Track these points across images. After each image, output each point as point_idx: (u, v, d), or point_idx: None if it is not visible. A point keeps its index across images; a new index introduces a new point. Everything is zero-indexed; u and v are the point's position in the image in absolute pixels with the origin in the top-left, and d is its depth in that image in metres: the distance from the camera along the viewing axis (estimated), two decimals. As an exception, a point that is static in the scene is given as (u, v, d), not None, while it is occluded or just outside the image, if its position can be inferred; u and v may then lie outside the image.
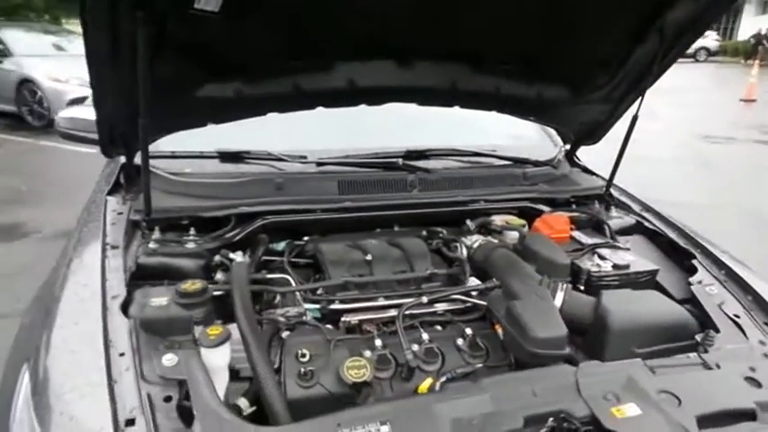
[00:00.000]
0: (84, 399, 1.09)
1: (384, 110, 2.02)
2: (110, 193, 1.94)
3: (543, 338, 1.30)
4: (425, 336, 1.47)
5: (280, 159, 2.05)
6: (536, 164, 2.33)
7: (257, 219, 1.78)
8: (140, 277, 1.55)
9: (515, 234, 1.91)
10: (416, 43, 1.79)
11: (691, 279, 1.71)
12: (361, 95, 1.91)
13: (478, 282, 1.66)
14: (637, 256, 1.77)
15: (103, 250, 1.57)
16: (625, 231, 2.06)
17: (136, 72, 1.50)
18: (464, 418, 1.08)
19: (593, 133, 2.41)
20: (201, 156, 2.05)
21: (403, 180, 2.06)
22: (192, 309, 1.36)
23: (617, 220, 2.11)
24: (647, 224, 2.07)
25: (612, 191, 2.28)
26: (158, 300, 1.38)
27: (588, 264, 1.70)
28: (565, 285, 1.54)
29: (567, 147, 2.56)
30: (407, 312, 1.51)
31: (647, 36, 1.83)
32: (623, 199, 2.28)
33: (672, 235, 1.97)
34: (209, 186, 1.92)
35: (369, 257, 1.67)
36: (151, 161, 1.69)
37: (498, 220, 1.99)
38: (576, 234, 1.92)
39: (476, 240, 1.86)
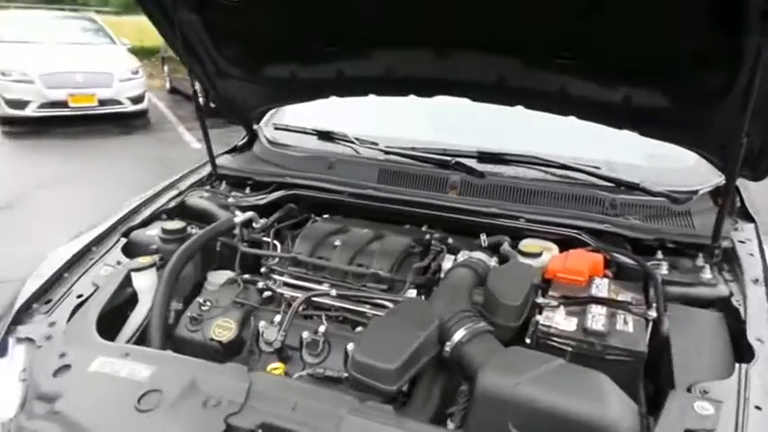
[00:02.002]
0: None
1: (502, 110, 1.90)
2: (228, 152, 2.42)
3: (360, 361, 1.17)
4: (321, 328, 1.46)
5: (353, 142, 2.17)
6: (646, 191, 1.82)
7: (290, 189, 1.99)
8: (182, 215, 1.97)
9: (537, 260, 1.61)
10: (451, 31, 1.66)
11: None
12: (401, 85, 1.88)
13: (412, 295, 1.52)
14: (640, 330, 1.30)
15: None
16: (703, 302, 1.48)
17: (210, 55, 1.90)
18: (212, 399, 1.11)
19: (753, 164, 1.72)
20: (296, 130, 2.33)
21: (443, 180, 1.94)
22: (169, 243, 1.71)
23: (702, 288, 1.52)
24: (736, 303, 1.43)
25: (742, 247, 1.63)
26: (152, 231, 1.77)
27: (542, 317, 1.34)
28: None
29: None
30: (338, 304, 1.53)
31: (748, 24, 1.26)
32: (748, 261, 1.60)
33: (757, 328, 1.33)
34: (279, 156, 2.21)
35: (337, 243, 1.70)
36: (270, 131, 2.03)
37: (528, 243, 1.69)
38: (600, 282, 1.49)
39: (462, 257, 1.65)
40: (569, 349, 1.28)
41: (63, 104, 7.51)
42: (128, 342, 1.50)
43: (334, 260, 1.65)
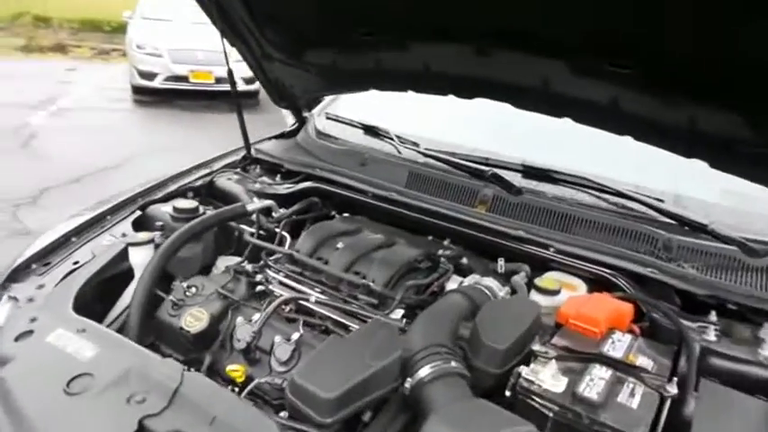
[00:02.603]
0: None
1: (557, 123, 1.70)
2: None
3: (298, 384, 1.05)
4: (295, 335, 1.36)
5: (392, 139, 2.04)
6: (715, 235, 1.50)
7: (316, 182, 1.91)
8: (209, 194, 1.97)
9: (555, 299, 1.39)
10: (492, 27, 1.47)
11: None
12: (439, 83, 1.71)
13: (398, 317, 1.36)
14: (647, 408, 1.05)
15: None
16: (753, 386, 1.18)
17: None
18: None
19: None
20: (343, 121, 2.22)
21: (474, 192, 1.75)
22: (178, 222, 1.69)
23: (756, 368, 1.21)
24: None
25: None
26: (167, 207, 1.77)
27: (527, 369, 1.13)
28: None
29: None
30: (324, 312, 1.42)
31: None
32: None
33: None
34: (318, 146, 2.13)
35: (339, 245, 1.59)
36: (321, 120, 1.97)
37: (548, 278, 1.47)
38: (619, 338, 1.24)
39: (470, 281, 1.46)
40: (551, 415, 1.07)
41: (185, 79, 8.07)
42: (117, 318, 1.50)
43: (332, 263, 1.54)
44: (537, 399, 1.08)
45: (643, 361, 1.18)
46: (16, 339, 1.23)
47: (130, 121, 7.57)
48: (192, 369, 1.34)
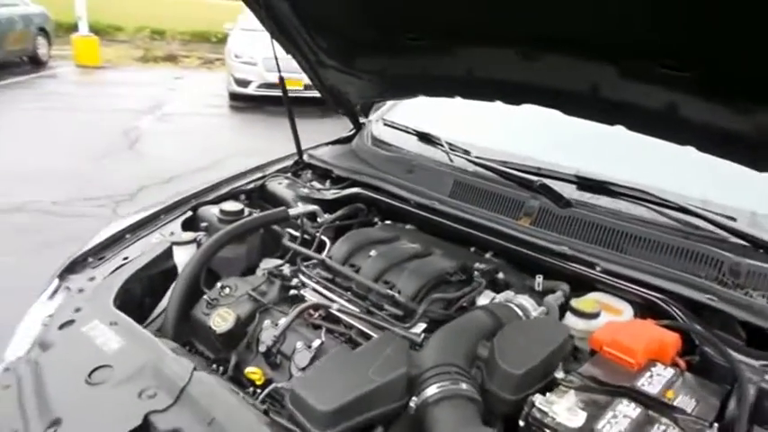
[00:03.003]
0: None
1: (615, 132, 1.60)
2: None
3: (297, 393, 1.04)
4: (316, 342, 1.35)
5: (442, 146, 1.98)
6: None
7: (361, 188, 1.90)
8: (261, 197, 2.02)
9: (592, 323, 1.29)
10: (536, 29, 1.38)
11: None
12: (486, 88, 1.64)
13: (419, 330, 1.31)
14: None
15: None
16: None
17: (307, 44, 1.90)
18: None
19: None
20: (398, 127, 2.19)
21: (518, 204, 1.65)
22: (223, 223, 1.75)
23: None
24: None
25: None
26: (215, 209, 1.84)
27: (543, 398, 1.03)
28: None
29: None
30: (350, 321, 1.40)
31: None
32: None
33: None
34: (369, 153, 2.11)
35: (372, 253, 1.56)
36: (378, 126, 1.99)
37: (587, 299, 1.35)
38: (659, 371, 1.11)
39: (502, 298, 1.38)
40: (558, 450, 0.97)
41: (276, 86, 8.42)
42: (161, 313, 1.57)
43: (363, 271, 1.51)
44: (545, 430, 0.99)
45: (683, 400, 1.04)
46: (60, 327, 1.33)
47: (225, 126, 8.04)
48: (219, 367, 1.40)
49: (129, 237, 1.71)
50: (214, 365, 1.41)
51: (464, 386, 1.06)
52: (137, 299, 1.58)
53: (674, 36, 1.15)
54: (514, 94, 1.60)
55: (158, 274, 1.63)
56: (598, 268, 1.41)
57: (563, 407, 1.01)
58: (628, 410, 1.00)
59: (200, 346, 1.49)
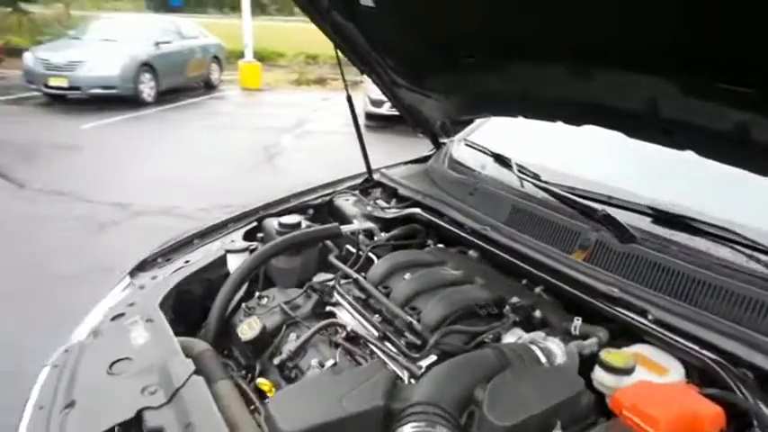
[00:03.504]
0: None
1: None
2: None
3: (269, 409, 1.03)
4: (330, 362, 1.34)
5: (510, 167, 1.86)
6: None
7: (416, 209, 1.86)
8: (329, 213, 2.07)
9: (623, 380, 1.11)
10: (586, 42, 1.25)
11: None
12: (544, 107, 1.51)
13: (427, 363, 1.22)
14: None
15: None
16: None
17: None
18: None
19: None
20: (476, 147, 2.10)
21: (575, 235, 1.48)
22: (281, 236, 1.82)
23: None
24: None
25: None
26: (275, 221, 1.91)
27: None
28: None
29: None
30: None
31: None
32: None
33: None
34: (439, 173, 2.06)
35: (406, 276, 1.51)
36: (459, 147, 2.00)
37: (623, 353, 1.16)
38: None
39: (528, 338, 1.23)
40: None
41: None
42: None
43: (394, 294, 1.46)
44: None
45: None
46: (112, 319, 1.47)
47: (355, 144, 8.39)
48: (248, 374, 1.44)
49: (196, 242, 1.85)
50: (243, 372, 1.46)
51: (439, 430, 0.97)
52: (197, 300, 1.69)
53: (733, 48, 0.95)
54: (572, 113, 1.46)
55: (219, 278, 1.73)
56: (650, 317, 1.21)
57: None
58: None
59: (236, 351, 1.55)
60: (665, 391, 1.01)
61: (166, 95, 10.85)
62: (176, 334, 1.43)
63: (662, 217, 1.43)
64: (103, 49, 10.17)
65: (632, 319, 1.22)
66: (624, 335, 1.25)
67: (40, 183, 5.76)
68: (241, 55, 13.82)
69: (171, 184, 5.84)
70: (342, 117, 9.77)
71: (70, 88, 9.64)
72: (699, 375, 1.12)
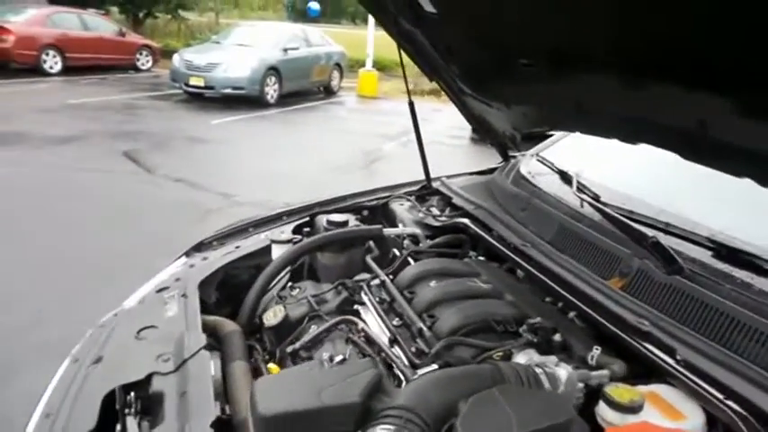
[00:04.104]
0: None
1: None
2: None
3: (252, 392, 1.07)
4: (338, 357, 1.34)
5: (570, 184, 1.75)
6: None
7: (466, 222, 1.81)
8: (383, 215, 2.10)
9: (628, 418, 1.01)
10: (640, 52, 1.15)
11: None
12: (595, 121, 1.41)
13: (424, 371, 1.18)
14: None
15: None
16: None
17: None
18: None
19: None
20: (544, 162, 2.00)
21: (616, 262, 1.36)
22: (326, 231, 1.88)
23: None
24: None
25: None
26: (323, 219, 1.95)
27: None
28: None
29: None
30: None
31: None
32: None
33: None
34: (497, 186, 1.99)
35: (432, 284, 1.48)
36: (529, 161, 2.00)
37: (631, 390, 1.05)
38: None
39: (538, 361, 1.15)
40: None
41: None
42: None
43: (416, 300, 1.44)
44: None
45: None
46: (157, 291, 1.60)
47: (458, 155, 8.34)
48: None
49: (251, 230, 1.95)
50: (266, 356, 1.52)
51: (407, 433, 0.94)
52: (244, 284, 1.78)
53: None
54: (626, 130, 1.34)
55: (264, 265, 1.81)
56: (678, 357, 1.08)
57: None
58: None
59: (265, 337, 1.61)
60: (662, 439, 0.89)
61: (288, 98, 11.55)
62: (222, 314, 1.54)
63: (722, 251, 1.27)
64: (238, 53, 11.09)
65: (656, 356, 1.10)
66: (649, 373, 1.13)
67: (166, 169, 6.39)
68: (363, 64, 14.34)
69: (272, 179, 6.20)
70: (451, 129, 9.78)
71: (206, 87, 10.63)
72: (723, 428, 0.98)
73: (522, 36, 1.46)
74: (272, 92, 11.17)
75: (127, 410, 1.09)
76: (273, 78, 11.17)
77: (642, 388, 1.06)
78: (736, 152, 1.07)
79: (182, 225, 4.69)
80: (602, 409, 1.02)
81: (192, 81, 10.69)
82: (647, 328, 1.15)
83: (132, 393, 1.12)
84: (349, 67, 14.57)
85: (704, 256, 1.30)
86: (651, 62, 1.12)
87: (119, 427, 1.08)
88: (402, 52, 1.93)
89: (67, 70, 12.79)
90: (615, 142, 1.59)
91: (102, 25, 14.46)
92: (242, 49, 11.32)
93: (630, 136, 1.36)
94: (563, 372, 1.13)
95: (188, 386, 1.13)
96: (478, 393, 0.99)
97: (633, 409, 0.98)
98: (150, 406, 1.13)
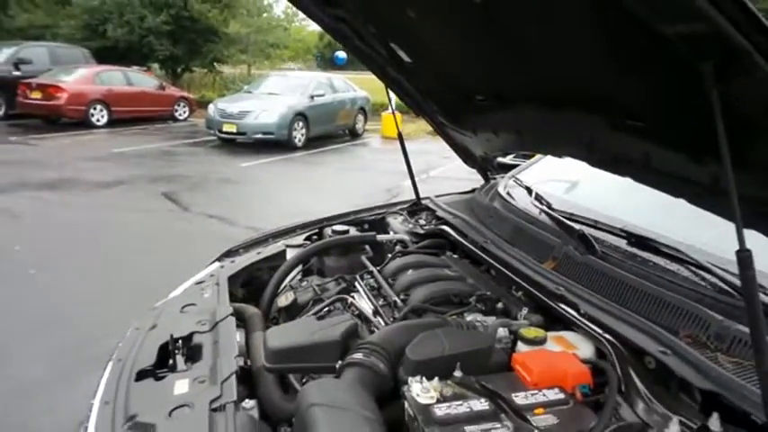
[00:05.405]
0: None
1: None
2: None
3: (264, 335, 1.47)
4: None
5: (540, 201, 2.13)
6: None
7: (445, 228, 2.21)
8: (381, 227, 2.50)
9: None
10: (547, 89, 1.58)
11: None
12: (532, 142, 1.81)
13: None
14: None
15: None
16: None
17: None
18: None
19: None
20: (519, 183, 2.40)
21: (550, 249, 1.73)
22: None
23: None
24: None
25: None
26: (329, 229, 2.38)
27: (414, 380, 1.21)
28: None
29: None
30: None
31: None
32: None
33: None
34: (474, 201, 2.39)
35: (409, 273, 1.87)
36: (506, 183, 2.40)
37: (557, 335, 1.41)
38: (549, 395, 1.16)
39: (482, 320, 1.53)
40: (406, 419, 1.15)
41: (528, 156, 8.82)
42: None
43: (395, 285, 1.83)
44: (406, 404, 1.18)
45: (545, 419, 1.09)
46: (196, 283, 2.03)
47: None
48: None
49: (270, 240, 2.39)
50: None
51: (372, 359, 1.32)
52: (264, 282, 2.20)
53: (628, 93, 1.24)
54: (552, 144, 1.74)
55: (275, 266, 2.23)
56: (581, 311, 1.44)
57: (426, 389, 1.18)
58: (476, 404, 1.12)
59: (280, 318, 2.01)
60: (551, 355, 1.26)
61: (315, 141, 12.23)
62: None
63: (632, 239, 1.64)
64: (268, 101, 11.90)
65: (564, 311, 1.46)
66: (563, 326, 1.48)
67: (200, 207, 6.97)
68: (387, 107, 15.04)
69: (296, 215, 6.61)
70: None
71: (238, 133, 11.41)
72: (598, 354, 1.33)
73: (474, 80, 1.90)
74: (299, 136, 11.88)
75: (177, 351, 1.50)
76: (301, 123, 11.90)
77: (552, 333, 1.42)
78: (621, 159, 1.45)
79: (214, 253, 5.16)
80: (519, 346, 1.39)
81: (225, 128, 11.49)
82: (560, 292, 1.51)
83: (180, 341, 1.53)
84: (374, 110, 15.29)
85: (620, 243, 1.67)
86: (556, 96, 1.53)
87: (170, 361, 1.48)
88: (391, 93, 2.38)
89: (112, 122, 13.81)
90: (576, 163, 1.98)
91: (144, 80, 15.62)
92: (271, 98, 12.14)
93: (554, 149, 1.75)
94: (491, 321, 1.49)
95: (219, 338, 1.54)
96: (425, 332, 1.37)
97: (537, 341, 1.35)
98: (192, 353, 1.53)
